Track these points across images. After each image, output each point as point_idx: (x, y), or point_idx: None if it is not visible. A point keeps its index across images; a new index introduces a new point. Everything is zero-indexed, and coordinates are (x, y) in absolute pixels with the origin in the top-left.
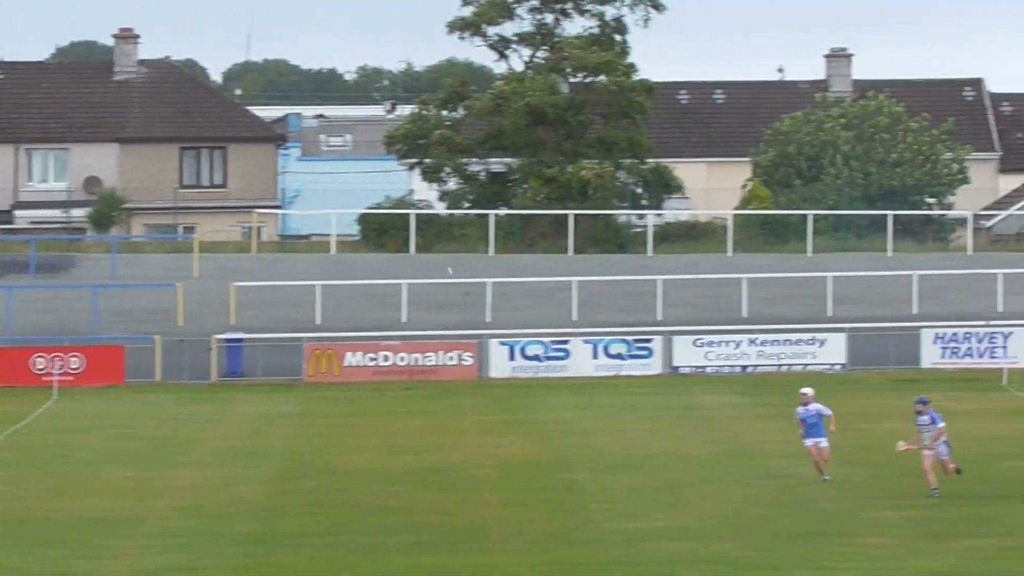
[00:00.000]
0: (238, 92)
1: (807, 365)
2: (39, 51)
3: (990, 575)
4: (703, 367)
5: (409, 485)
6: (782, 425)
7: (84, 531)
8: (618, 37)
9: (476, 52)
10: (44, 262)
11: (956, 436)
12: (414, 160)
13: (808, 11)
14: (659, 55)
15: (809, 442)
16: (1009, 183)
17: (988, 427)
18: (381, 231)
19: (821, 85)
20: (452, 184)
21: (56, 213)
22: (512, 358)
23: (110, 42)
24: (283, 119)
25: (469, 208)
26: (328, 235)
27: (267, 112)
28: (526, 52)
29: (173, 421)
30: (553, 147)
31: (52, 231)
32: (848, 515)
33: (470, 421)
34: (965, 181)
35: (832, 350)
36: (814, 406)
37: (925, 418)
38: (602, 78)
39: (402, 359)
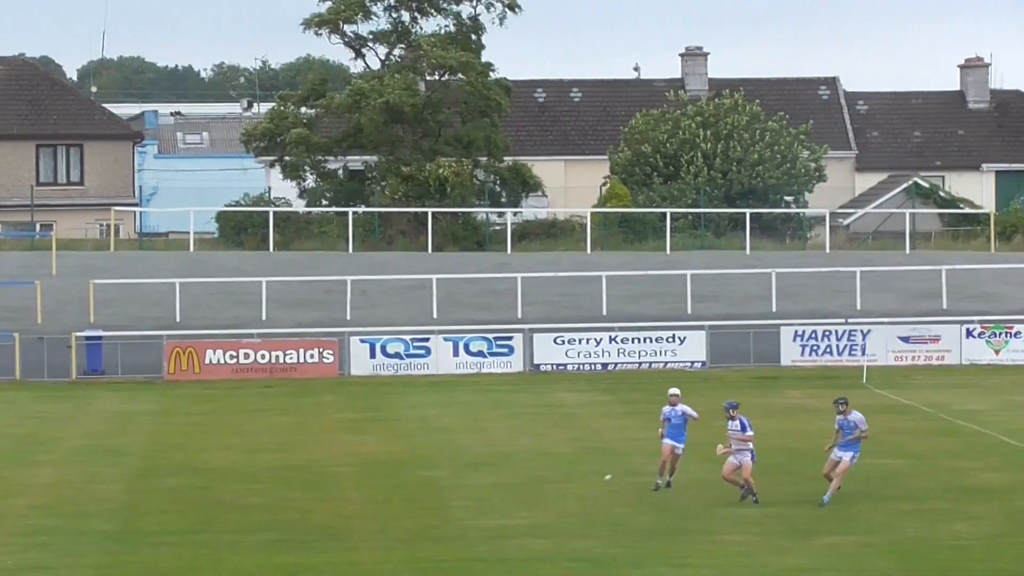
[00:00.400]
0: (94, 89)
1: (667, 363)
2: None
3: (851, 572)
4: (564, 365)
5: (270, 483)
6: (642, 423)
7: None
8: (474, 36)
9: (332, 50)
10: None
11: (816, 434)
12: (272, 158)
13: (663, 10)
14: (516, 53)
15: (667, 442)
16: (865, 181)
17: None
18: (240, 229)
19: (677, 83)
20: (310, 182)
21: None
22: (373, 356)
23: None
24: (139, 116)
25: (328, 206)
26: (187, 233)
27: (123, 109)
28: (382, 50)
29: (33, 419)
30: (411, 145)
31: None
32: (709, 512)
33: (331, 419)
34: (822, 180)
35: (692, 348)
36: (681, 407)
37: (735, 424)
38: (459, 77)
39: (263, 357)
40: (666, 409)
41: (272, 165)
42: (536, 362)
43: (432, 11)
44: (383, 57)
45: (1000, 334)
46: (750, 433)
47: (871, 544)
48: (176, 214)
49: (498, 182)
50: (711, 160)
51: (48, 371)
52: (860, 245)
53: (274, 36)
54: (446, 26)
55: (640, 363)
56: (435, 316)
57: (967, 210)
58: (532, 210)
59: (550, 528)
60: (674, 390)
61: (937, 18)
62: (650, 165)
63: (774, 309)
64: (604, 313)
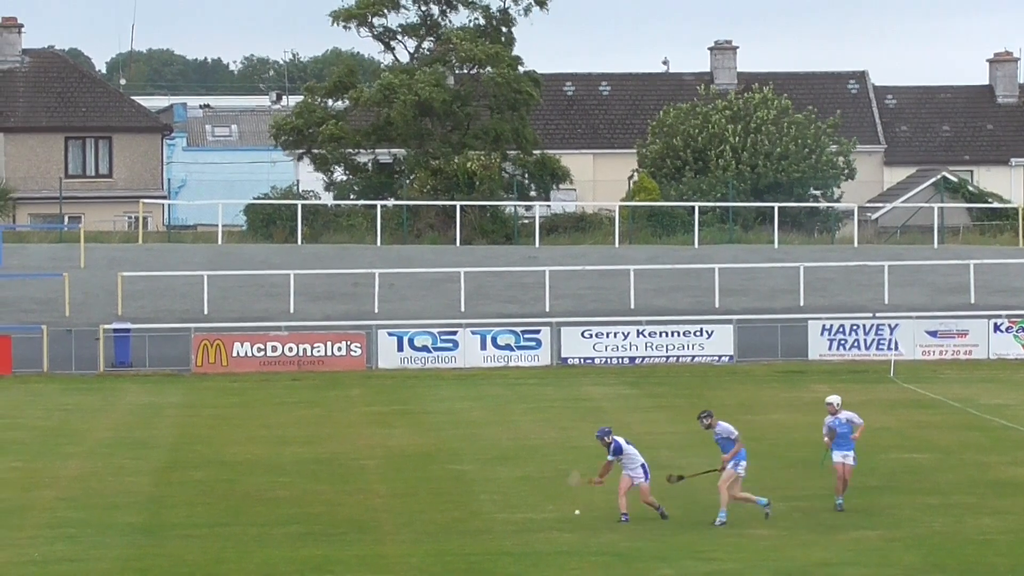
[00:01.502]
0: (123, 82)
1: (695, 357)
2: None
3: (877, 566)
4: (591, 358)
5: (297, 476)
6: (670, 416)
7: None
8: (504, 29)
9: (362, 43)
10: None
11: None
12: (301, 151)
13: (692, 3)
14: (545, 47)
15: (838, 456)
16: (894, 175)
17: (875, 419)
18: (268, 221)
19: (706, 77)
20: (339, 175)
21: None
22: (400, 349)
23: None
24: (168, 109)
25: (356, 199)
26: (215, 225)
27: (152, 102)
28: (411, 43)
29: (60, 411)
30: (440, 138)
31: None
32: (736, 506)
33: (358, 412)
34: (851, 176)
35: (720, 341)
36: (844, 414)
37: (631, 448)
38: (488, 70)
39: (290, 349)
40: (829, 420)
41: (300, 158)
42: (564, 355)
43: (461, 4)
44: (412, 50)
45: None
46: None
47: (897, 538)
48: (204, 207)
49: (526, 175)
50: (739, 154)
51: (76, 363)
52: (888, 239)
53: (303, 29)
54: (475, 19)
55: (668, 357)
56: (463, 309)
57: (996, 204)
58: (560, 203)
59: (577, 522)
60: (834, 398)
61: (966, 12)
62: (680, 159)
63: (802, 303)
64: (632, 307)
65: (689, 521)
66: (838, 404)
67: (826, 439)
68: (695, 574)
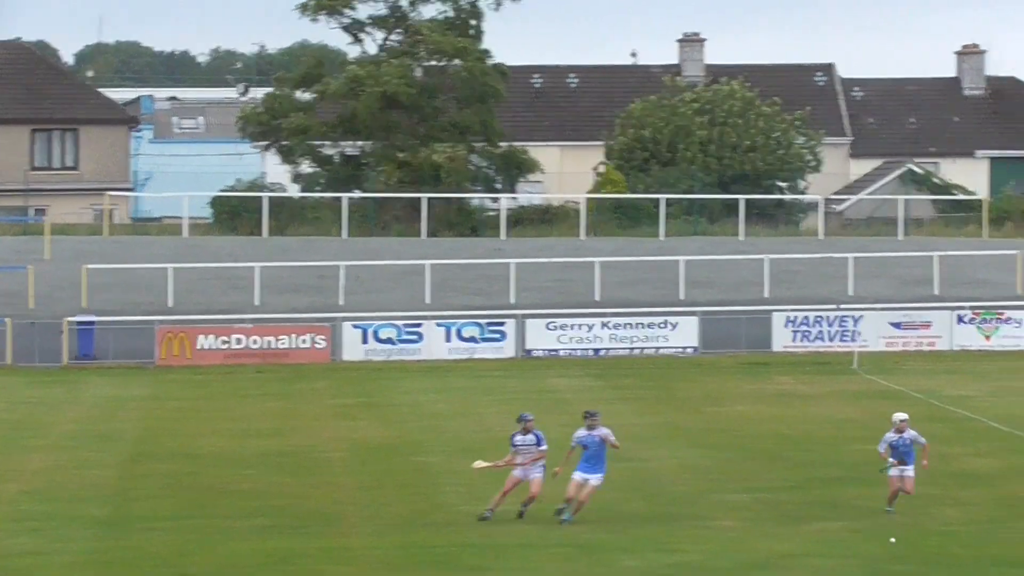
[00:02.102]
0: (90, 74)
1: (659, 348)
2: None
3: (840, 557)
4: (556, 350)
5: (262, 468)
6: (635, 408)
7: None
8: (472, 22)
9: (330, 34)
10: None
11: (807, 420)
12: (267, 143)
13: None
14: (513, 39)
15: (895, 470)
16: (860, 168)
17: (839, 410)
18: (234, 214)
19: (674, 69)
20: (305, 167)
21: None
22: (365, 341)
23: None
24: (135, 101)
25: (322, 191)
26: (180, 218)
27: (119, 94)
28: (380, 35)
29: (24, 404)
30: (407, 131)
31: None
32: (700, 498)
33: (323, 404)
34: (817, 168)
35: (684, 333)
36: (910, 433)
37: (530, 437)
38: (456, 62)
39: (255, 342)
40: (892, 437)
41: (267, 150)
42: (528, 347)
43: None
44: (380, 42)
45: (991, 320)
46: (544, 448)
47: (860, 529)
48: (171, 199)
49: (493, 168)
50: (706, 146)
51: (40, 356)
52: (853, 231)
53: (272, 21)
54: (444, 12)
55: (632, 349)
56: (428, 301)
57: (961, 196)
58: (527, 196)
59: (541, 514)
60: (901, 415)
61: (934, 5)
62: (647, 151)
63: (767, 295)
64: (597, 299)
65: (653, 513)
66: (906, 421)
67: (885, 455)
68: (659, 566)
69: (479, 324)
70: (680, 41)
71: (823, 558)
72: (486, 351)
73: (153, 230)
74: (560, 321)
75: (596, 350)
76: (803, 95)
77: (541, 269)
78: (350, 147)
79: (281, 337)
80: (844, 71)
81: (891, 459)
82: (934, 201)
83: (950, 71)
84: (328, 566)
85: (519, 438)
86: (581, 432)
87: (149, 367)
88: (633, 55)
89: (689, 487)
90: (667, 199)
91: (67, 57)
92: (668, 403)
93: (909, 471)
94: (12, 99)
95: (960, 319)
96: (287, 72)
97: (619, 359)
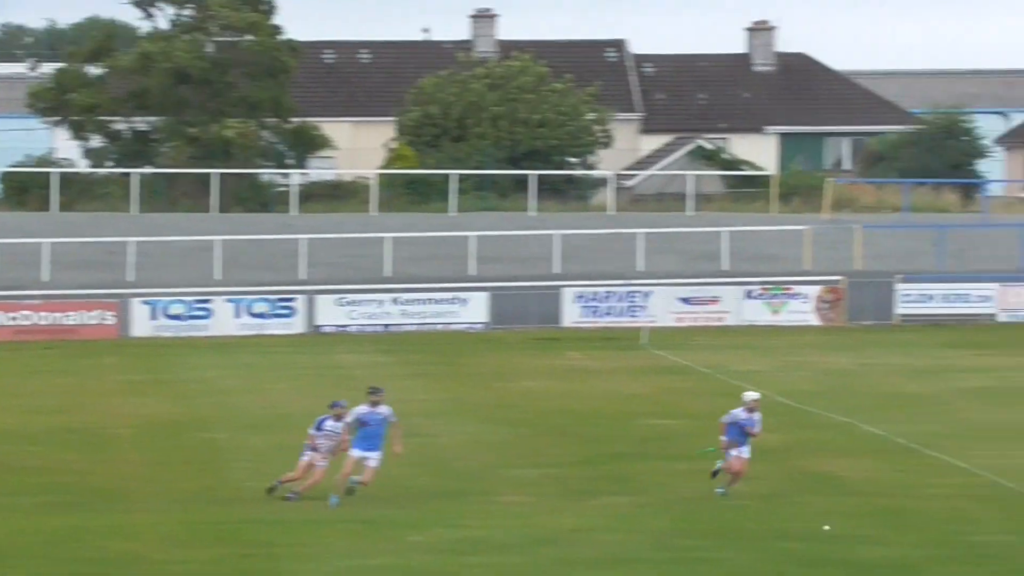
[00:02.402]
0: None
1: (450, 324)
2: None
3: (626, 532)
4: (346, 326)
5: (48, 445)
6: (425, 384)
7: None
8: None
9: (121, 10)
10: None
11: (596, 395)
12: (57, 118)
13: None
14: (306, 14)
15: (734, 452)
16: (650, 143)
17: (626, 386)
18: (22, 189)
19: (466, 45)
20: (96, 142)
21: None
22: (154, 317)
23: None
24: None
25: (112, 167)
26: None
27: None
28: (171, 10)
29: None
30: (197, 106)
31: None
32: (488, 473)
33: (111, 380)
34: (607, 144)
35: (474, 309)
36: (758, 415)
37: (339, 425)
38: (248, 38)
39: (43, 318)
40: (741, 415)
41: (57, 125)
42: (318, 323)
43: None
44: (172, 17)
45: (779, 295)
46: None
47: (646, 504)
48: None
49: (284, 144)
50: (498, 122)
51: None
52: (644, 207)
53: None
54: None
55: (422, 324)
56: (218, 277)
57: (749, 172)
58: (318, 172)
59: (328, 489)
60: (753, 394)
61: None
62: (438, 127)
63: (557, 270)
64: (388, 275)
65: (441, 489)
66: (757, 401)
67: (724, 437)
68: (446, 541)
69: (268, 300)
70: (472, 17)
71: (610, 532)
72: (276, 327)
73: None
74: (350, 297)
75: (386, 326)
76: (595, 71)
77: (332, 245)
78: (141, 122)
79: (70, 313)
80: (637, 47)
81: (724, 438)
82: (723, 177)
83: (741, 47)
84: (113, 542)
85: (330, 424)
86: (363, 408)
87: None
88: (425, 31)
89: (477, 462)
90: (458, 175)
91: None
92: (458, 379)
93: (745, 452)
94: None
95: (748, 294)
96: (78, 47)
97: (409, 335)
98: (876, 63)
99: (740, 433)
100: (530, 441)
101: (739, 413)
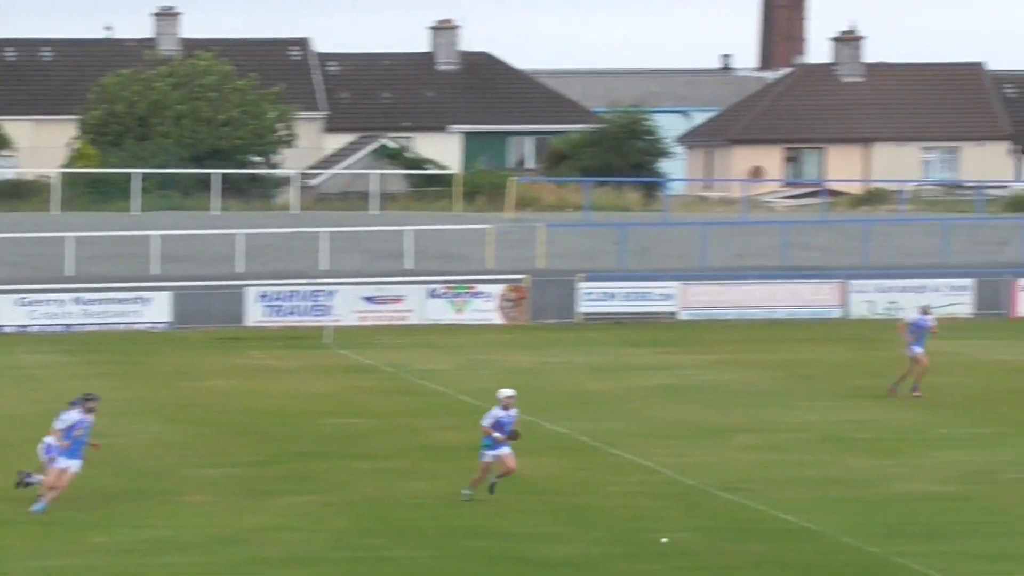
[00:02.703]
0: None
1: (132, 324)
2: None
3: (309, 531)
4: (26, 326)
5: None
6: (107, 384)
7: None
8: None
9: None
10: None
11: (280, 394)
12: None
13: None
14: None
15: (491, 454)
16: (334, 142)
17: (310, 385)
18: None
19: (149, 44)
20: None
21: None
22: None
23: None
24: None
25: None
26: None
27: None
28: None
29: None
30: None
31: None
32: (171, 473)
33: None
34: (291, 142)
35: (157, 308)
36: (515, 411)
37: (89, 419)
38: None
39: None
40: (500, 414)
41: None
42: None
43: None
44: None
45: (462, 294)
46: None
47: (329, 503)
48: None
49: None
50: (181, 121)
51: None
52: (327, 206)
53: None
54: None
55: (105, 324)
56: None
57: (433, 171)
58: None
59: (9, 492)
60: (508, 391)
61: None
62: (122, 125)
63: (241, 270)
64: (70, 274)
65: (123, 490)
66: (512, 398)
67: (497, 435)
68: (129, 542)
69: None
70: (156, 15)
71: (293, 532)
72: None
73: None
74: (31, 297)
75: (68, 326)
76: (279, 70)
77: (12, 244)
78: None
79: None
80: (321, 46)
81: (496, 434)
82: (407, 176)
83: (425, 46)
84: None
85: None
86: (74, 414)
87: None
88: (108, 29)
89: (160, 462)
90: (141, 174)
91: None
92: (140, 378)
93: (507, 449)
94: None
95: (432, 293)
96: None
97: (91, 334)
98: (560, 63)
99: (507, 431)
100: (214, 440)
101: (497, 412)
